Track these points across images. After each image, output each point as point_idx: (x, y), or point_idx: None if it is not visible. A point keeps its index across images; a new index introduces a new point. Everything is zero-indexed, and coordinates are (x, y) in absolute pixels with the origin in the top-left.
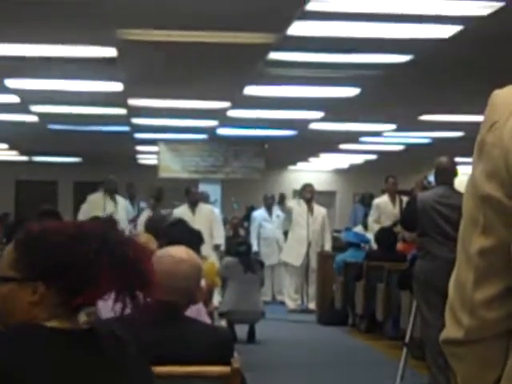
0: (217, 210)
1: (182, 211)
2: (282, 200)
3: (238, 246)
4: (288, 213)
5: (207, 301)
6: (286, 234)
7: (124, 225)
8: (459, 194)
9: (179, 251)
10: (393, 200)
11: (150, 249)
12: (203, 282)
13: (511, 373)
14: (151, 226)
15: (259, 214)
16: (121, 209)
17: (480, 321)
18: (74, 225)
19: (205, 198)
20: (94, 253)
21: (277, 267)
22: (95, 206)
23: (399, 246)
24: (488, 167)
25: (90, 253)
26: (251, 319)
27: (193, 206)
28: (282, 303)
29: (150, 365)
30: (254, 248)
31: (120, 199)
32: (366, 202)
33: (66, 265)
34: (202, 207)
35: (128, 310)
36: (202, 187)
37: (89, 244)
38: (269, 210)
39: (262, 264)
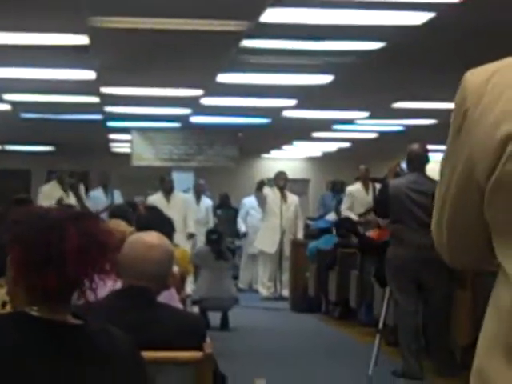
0: (208, 200)
1: (156, 199)
2: (259, 187)
3: (210, 234)
4: (263, 201)
5: (180, 288)
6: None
7: None
8: (431, 181)
9: (151, 237)
10: (366, 187)
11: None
12: (176, 269)
13: (495, 305)
14: (118, 213)
15: (249, 201)
16: (72, 197)
17: None
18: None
19: (203, 191)
20: (61, 232)
21: (256, 256)
22: (48, 195)
23: (373, 233)
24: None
25: (56, 233)
26: (224, 306)
27: (167, 194)
28: (257, 291)
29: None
30: (243, 230)
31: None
32: (336, 189)
33: (30, 242)
34: (177, 196)
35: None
36: (176, 175)
37: (53, 222)
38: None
39: (233, 252)
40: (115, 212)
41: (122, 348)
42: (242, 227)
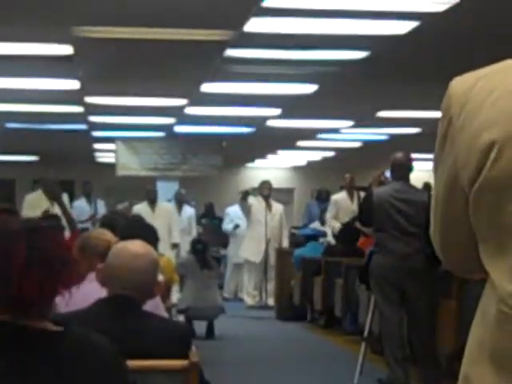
0: (191, 210)
1: (141, 208)
2: (244, 197)
3: (195, 244)
4: (247, 210)
5: (165, 296)
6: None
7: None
8: (415, 189)
9: (136, 245)
10: (351, 196)
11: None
12: (161, 277)
13: (482, 313)
14: (107, 222)
15: (233, 210)
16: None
17: None
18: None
19: (185, 200)
20: (8, 244)
21: (242, 265)
22: (32, 205)
23: (359, 241)
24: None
25: (5, 243)
26: (210, 315)
27: (152, 203)
28: (243, 300)
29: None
30: (230, 227)
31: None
32: (321, 197)
33: None
34: (162, 205)
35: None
36: (160, 185)
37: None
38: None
39: (219, 261)
40: (105, 221)
41: (104, 355)
42: (228, 227)
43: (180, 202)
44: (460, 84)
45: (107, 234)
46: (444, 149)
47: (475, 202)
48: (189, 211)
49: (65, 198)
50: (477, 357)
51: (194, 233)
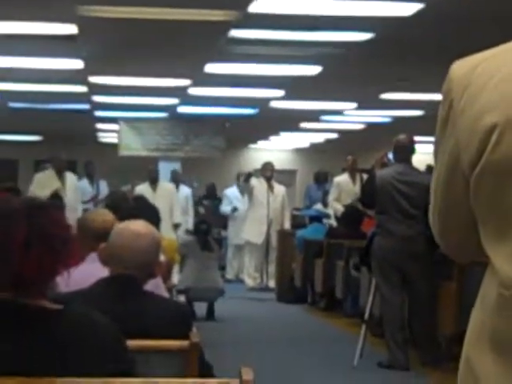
0: (187, 189)
1: (143, 188)
2: (247, 179)
3: (199, 224)
4: (250, 192)
5: (166, 277)
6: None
7: (72, 203)
8: (417, 172)
9: (138, 225)
10: (353, 178)
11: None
12: (162, 258)
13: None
14: (112, 202)
15: (231, 192)
16: (69, 187)
17: None
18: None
19: (182, 180)
20: (8, 221)
21: (243, 247)
22: (42, 185)
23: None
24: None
25: (5, 221)
26: (210, 297)
27: (153, 183)
28: (244, 282)
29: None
30: (228, 210)
31: (70, 177)
32: (320, 180)
33: None
34: (164, 185)
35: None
36: (163, 165)
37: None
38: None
39: (220, 243)
40: (108, 203)
41: (103, 334)
42: (226, 209)
43: (176, 181)
44: (461, 67)
45: (104, 215)
46: (445, 132)
47: (476, 185)
48: (185, 191)
49: (72, 177)
50: (477, 341)
51: (191, 213)
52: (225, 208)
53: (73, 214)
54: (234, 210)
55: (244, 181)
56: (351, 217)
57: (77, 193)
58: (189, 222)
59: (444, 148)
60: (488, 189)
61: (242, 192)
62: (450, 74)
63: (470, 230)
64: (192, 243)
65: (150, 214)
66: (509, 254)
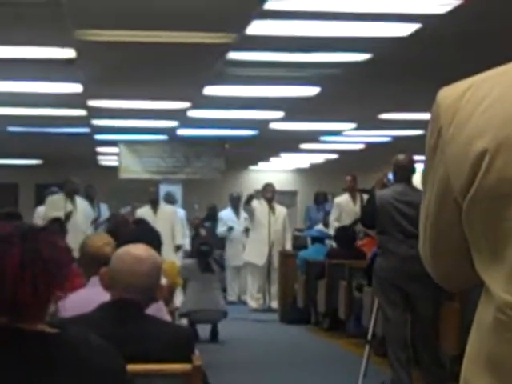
0: (181, 211)
1: (144, 211)
2: (248, 201)
3: (201, 246)
4: (251, 213)
5: (168, 300)
6: (247, 231)
7: (83, 226)
8: (417, 191)
9: (139, 249)
10: (353, 198)
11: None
12: (164, 281)
13: (478, 323)
14: (112, 226)
15: (226, 214)
16: (80, 210)
17: None
18: None
19: (172, 200)
20: (3, 246)
21: (242, 268)
22: (55, 207)
23: (361, 242)
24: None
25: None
26: (213, 318)
27: (154, 206)
28: (246, 303)
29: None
30: (223, 230)
31: (79, 201)
32: (319, 200)
33: None
34: (164, 208)
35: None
36: (163, 188)
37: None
38: (236, 210)
39: (222, 266)
40: (110, 227)
41: (101, 357)
42: (222, 230)
43: (171, 203)
44: (448, 94)
45: (105, 239)
46: (434, 160)
47: (469, 210)
48: (180, 213)
49: (81, 201)
50: (474, 364)
51: (187, 234)
52: (220, 229)
53: (82, 237)
54: (230, 229)
55: (245, 203)
56: (343, 237)
57: (86, 216)
58: (186, 244)
59: (433, 176)
60: (481, 214)
61: (236, 213)
62: (438, 101)
63: (463, 257)
64: (193, 266)
65: (151, 237)
66: (504, 279)
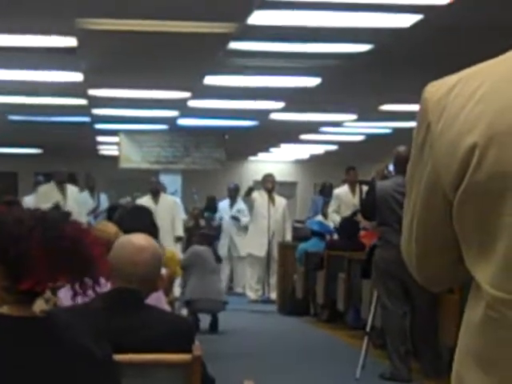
0: (178, 201)
1: (144, 201)
2: (248, 193)
3: (208, 233)
4: (251, 205)
5: (168, 290)
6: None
7: (75, 215)
8: None
9: (140, 239)
10: (353, 190)
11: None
12: (164, 271)
13: (468, 320)
14: (113, 215)
15: (222, 204)
16: (71, 199)
17: None
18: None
19: (163, 189)
20: (27, 231)
21: (236, 259)
22: (46, 197)
23: (362, 234)
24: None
25: (23, 231)
26: (214, 308)
27: (155, 196)
28: (239, 294)
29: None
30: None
31: (71, 190)
32: (325, 191)
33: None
34: (165, 198)
35: (82, 298)
36: (163, 178)
37: (21, 223)
38: (232, 201)
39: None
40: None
41: (86, 341)
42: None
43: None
44: (436, 89)
45: (108, 228)
46: (422, 157)
47: (459, 206)
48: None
49: (72, 189)
50: (466, 359)
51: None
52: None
53: None
54: (220, 219)
55: (245, 195)
56: (348, 229)
57: (78, 205)
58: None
59: (421, 172)
60: (473, 209)
61: (231, 204)
62: (426, 97)
63: (451, 256)
64: (204, 253)
65: (148, 224)
66: (493, 275)
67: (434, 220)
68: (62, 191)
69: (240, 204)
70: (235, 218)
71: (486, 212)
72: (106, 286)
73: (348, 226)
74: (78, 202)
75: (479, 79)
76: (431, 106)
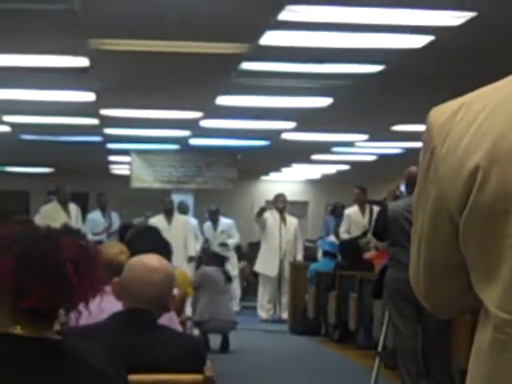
0: (193, 220)
1: (157, 221)
2: (260, 213)
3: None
4: (263, 225)
5: (180, 310)
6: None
7: None
8: None
9: (152, 259)
10: (362, 210)
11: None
12: (176, 291)
13: (477, 345)
14: (124, 235)
15: (206, 227)
16: (74, 219)
17: None
18: None
19: (185, 210)
20: (55, 240)
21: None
22: (49, 216)
23: (370, 255)
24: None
25: (52, 240)
26: (224, 328)
27: (168, 215)
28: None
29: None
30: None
31: (73, 208)
32: (337, 212)
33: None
34: (178, 218)
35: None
36: (175, 197)
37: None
38: (214, 223)
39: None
40: (122, 235)
41: (102, 365)
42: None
43: (183, 213)
44: (441, 114)
45: (118, 248)
46: (427, 180)
47: (465, 228)
48: (193, 222)
49: (75, 208)
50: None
51: (200, 241)
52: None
53: None
54: (206, 241)
55: (257, 215)
56: (348, 250)
57: (81, 223)
58: (197, 251)
59: (426, 197)
60: (477, 231)
61: (214, 226)
62: (430, 122)
63: (460, 280)
64: (214, 274)
65: (161, 245)
66: (500, 297)
67: (442, 245)
68: (66, 210)
69: (223, 224)
70: (223, 245)
71: (490, 233)
72: (117, 306)
73: (347, 247)
74: (79, 221)
75: (482, 102)
76: (436, 130)
